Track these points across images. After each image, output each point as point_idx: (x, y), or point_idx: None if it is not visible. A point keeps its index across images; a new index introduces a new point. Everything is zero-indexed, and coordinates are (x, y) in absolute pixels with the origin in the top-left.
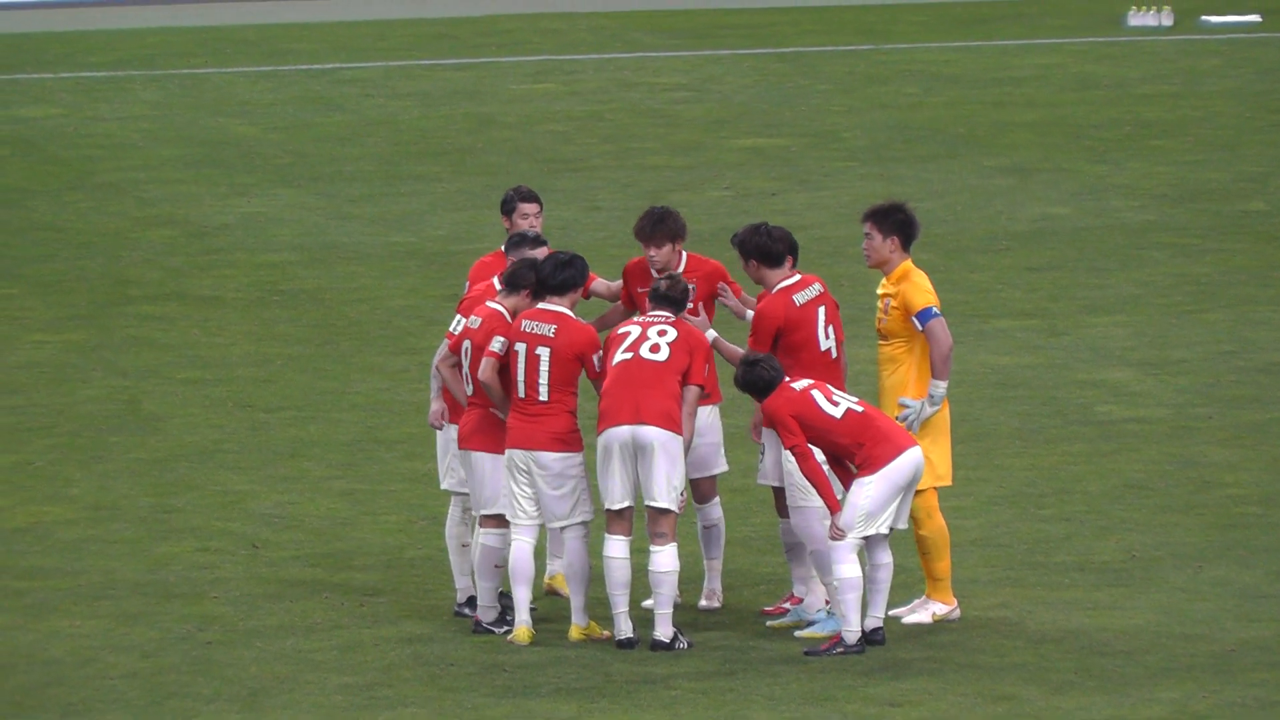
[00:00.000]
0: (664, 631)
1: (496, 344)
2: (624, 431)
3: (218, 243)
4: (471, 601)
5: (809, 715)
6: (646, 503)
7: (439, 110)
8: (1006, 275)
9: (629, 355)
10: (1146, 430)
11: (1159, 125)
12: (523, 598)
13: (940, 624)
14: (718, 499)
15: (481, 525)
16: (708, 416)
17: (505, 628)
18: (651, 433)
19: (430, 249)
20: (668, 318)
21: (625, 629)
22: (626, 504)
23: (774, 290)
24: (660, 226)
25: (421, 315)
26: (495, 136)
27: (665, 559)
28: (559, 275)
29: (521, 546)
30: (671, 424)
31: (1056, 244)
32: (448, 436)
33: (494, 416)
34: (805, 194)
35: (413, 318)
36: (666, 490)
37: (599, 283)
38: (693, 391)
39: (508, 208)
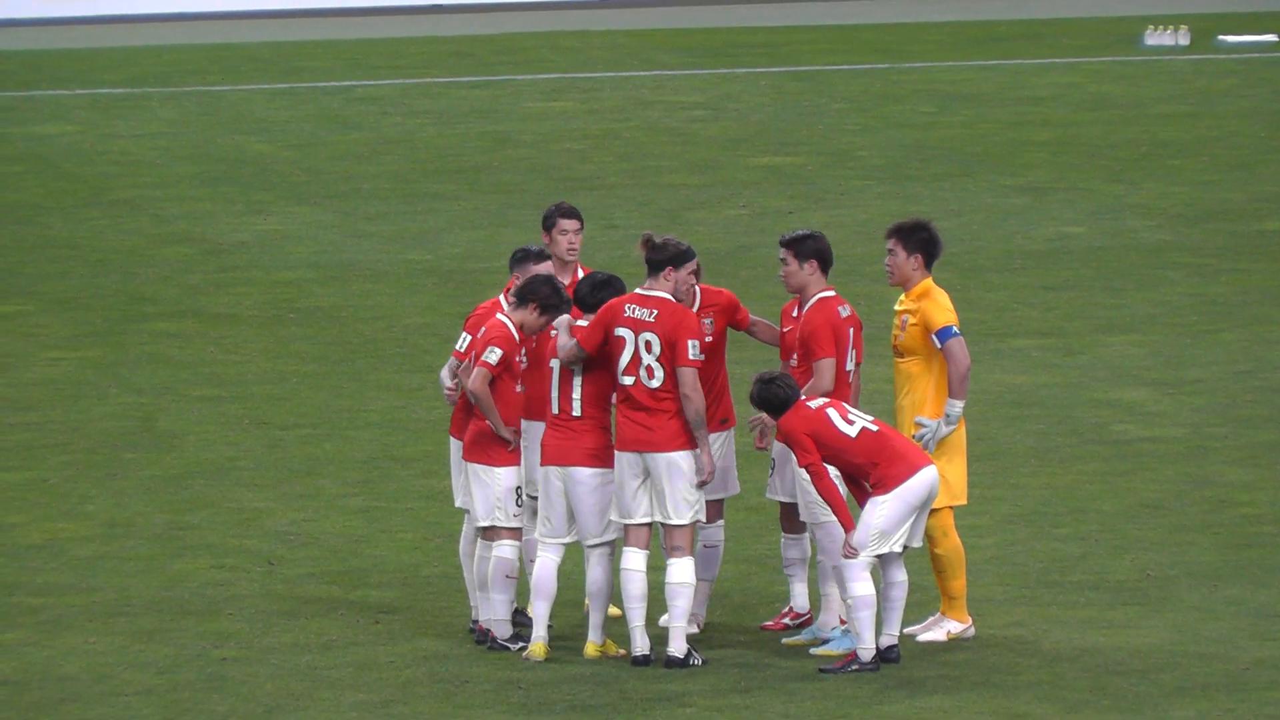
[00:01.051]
0: (678, 647)
1: (492, 356)
2: (633, 456)
3: (234, 260)
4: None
5: None
6: (657, 520)
7: (455, 128)
8: (1022, 294)
9: (631, 380)
10: (1162, 450)
11: (1175, 145)
12: (541, 613)
13: (955, 642)
14: (722, 521)
15: (485, 537)
16: (722, 441)
17: (521, 644)
18: (660, 457)
19: (446, 267)
20: (652, 312)
21: (641, 645)
22: (646, 520)
23: (814, 299)
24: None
25: (437, 333)
26: (511, 155)
27: (682, 571)
28: (597, 295)
29: (546, 563)
30: (681, 443)
31: (1072, 263)
32: (461, 455)
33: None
34: (822, 212)
35: (429, 335)
36: (685, 507)
37: None
38: (685, 373)
39: (548, 223)
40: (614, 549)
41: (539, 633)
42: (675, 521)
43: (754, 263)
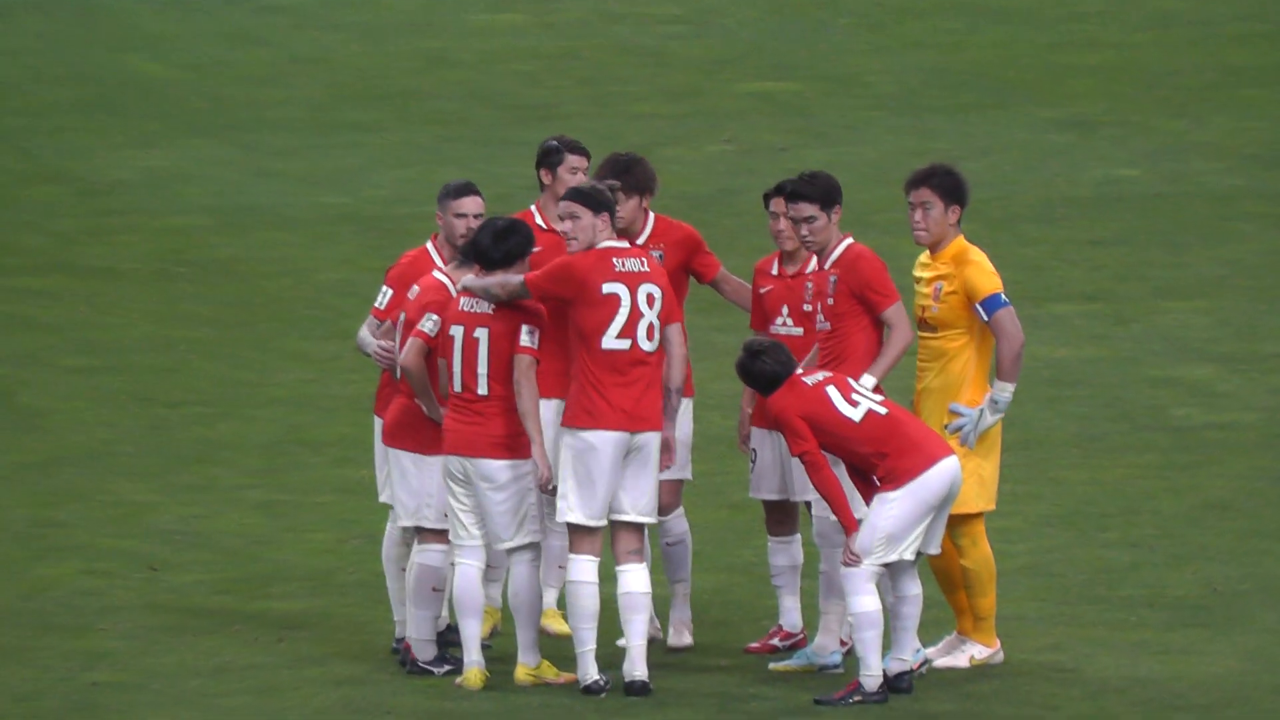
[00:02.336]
0: (643, 670)
1: (428, 323)
2: (621, 437)
3: (114, 203)
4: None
5: None
6: (621, 517)
7: (382, 46)
8: (1065, 250)
9: (625, 344)
10: (1231, 439)
11: (1249, 73)
12: (472, 634)
13: (980, 669)
14: (681, 510)
15: (418, 540)
16: (681, 412)
17: (447, 667)
18: (650, 438)
19: (368, 212)
20: (641, 261)
21: (592, 672)
22: (603, 522)
23: (843, 245)
24: (625, 177)
25: (357, 292)
26: (449, 78)
27: (641, 579)
28: (500, 246)
29: (467, 572)
30: (663, 421)
31: (1125, 213)
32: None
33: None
34: (822, 150)
35: (346, 294)
36: (655, 500)
37: None
38: (677, 330)
39: (553, 159)
40: (537, 552)
41: (473, 657)
42: (645, 519)
43: (740, 209)
